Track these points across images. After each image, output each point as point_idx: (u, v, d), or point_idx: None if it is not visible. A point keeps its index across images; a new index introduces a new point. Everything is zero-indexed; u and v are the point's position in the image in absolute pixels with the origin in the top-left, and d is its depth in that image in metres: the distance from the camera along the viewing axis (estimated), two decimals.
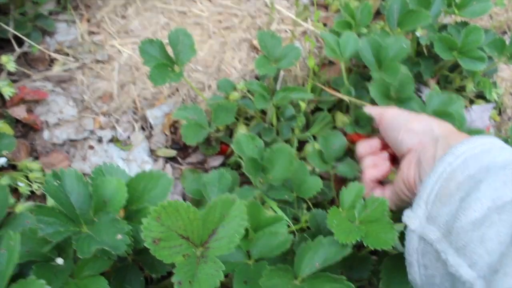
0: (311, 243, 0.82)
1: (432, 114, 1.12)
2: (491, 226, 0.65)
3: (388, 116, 1.05)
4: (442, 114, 1.11)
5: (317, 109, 1.30)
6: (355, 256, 0.97)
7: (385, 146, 1.09)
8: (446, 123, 0.99)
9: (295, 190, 1.04)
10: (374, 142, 1.10)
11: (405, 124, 0.99)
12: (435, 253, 0.74)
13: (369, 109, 1.11)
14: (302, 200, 1.07)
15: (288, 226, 0.96)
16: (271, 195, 1.02)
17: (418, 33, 1.29)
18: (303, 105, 1.17)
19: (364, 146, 1.11)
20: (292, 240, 0.90)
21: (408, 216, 0.80)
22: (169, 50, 1.16)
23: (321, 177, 1.17)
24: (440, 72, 1.47)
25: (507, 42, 1.33)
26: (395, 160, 1.09)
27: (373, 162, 1.08)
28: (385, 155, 1.09)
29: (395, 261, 0.88)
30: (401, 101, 1.18)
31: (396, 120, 1.02)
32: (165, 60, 1.14)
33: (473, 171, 0.76)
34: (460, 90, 1.50)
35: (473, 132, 1.16)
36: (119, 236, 0.70)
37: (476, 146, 0.80)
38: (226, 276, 0.97)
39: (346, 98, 1.20)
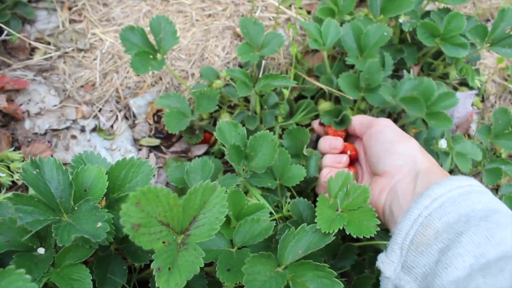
0: (294, 231, 0.82)
1: (401, 100, 1.13)
2: None
3: (379, 127, 1.01)
4: (410, 100, 1.12)
5: (301, 97, 1.30)
6: (338, 245, 0.97)
7: (347, 147, 1.10)
8: (430, 156, 0.94)
9: (279, 178, 1.04)
10: (337, 142, 1.09)
11: (391, 144, 0.96)
12: None
13: (359, 117, 1.11)
14: (286, 188, 1.07)
15: (271, 214, 0.96)
16: (254, 183, 1.02)
17: (401, 19, 1.29)
18: (286, 92, 1.17)
19: (325, 143, 1.10)
20: (275, 228, 0.90)
21: (383, 262, 0.77)
22: (151, 38, 1.15)
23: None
24: (424, 60, 1.47)
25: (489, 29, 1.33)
26: (353, 161, 1.11)
27: (331, 163, 1.06)
28: (344, 158, 1.07)
29: None
30: (370, 91, 1.18)
31: (384, 135, 0.99)
32: (146, 48, 1.13)
33: (452, 219, 0.71)
34: (444, 77, 1.51)
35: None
36: (99, 224, 0.70)
37: (453, 189, 0.76)
38: (210, 265, 0.97)
39: (324, 87, 1.20)
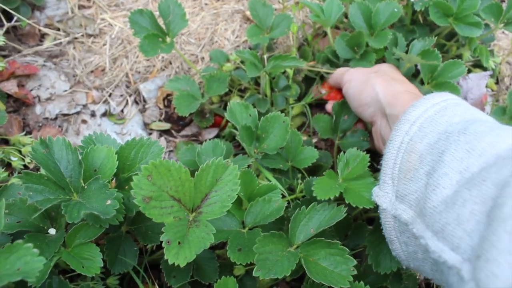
0: (305, 210, 0.81)
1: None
2: (464, 205, 0.59)
3: (345, 87, 1.08)
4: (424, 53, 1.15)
5: (309, 78, 1.28)
6: (349, 225, 0.96)
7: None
8: (397, 84, 0.96)
9: (291, 160, 1.03)
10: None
11: (357, 97, 1.01)
12: (413, 235, 0.70)
13: (333, 77, 1.17)
14: (297, 170, 1.06)
15: (283, 196, 0.95)
16: (265, 164, 1.01)
17: None
18: (290, 73, 1.16)
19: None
20: (287, 209, 0.90)
21: (377, 195, 0.77)
22: (161, 22, 1.14)
23: (316, 147, 1.16)
24: (437, 41, 1.45)
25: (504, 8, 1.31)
26: None
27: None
28: None
29: (379, 234, 0.87)
30: (363, 53, 1.19)
31: (351, 93, 1.04)
32: (155, 31, 1.12)
33: (432, 139, 0.71)
34: (457, 58, 1.48)
35: None
36: (108, 202, 0.69)
37: (428, 108, 0.75)
38: (221, 247, 0.97)
39: (321, 70, 1.20)
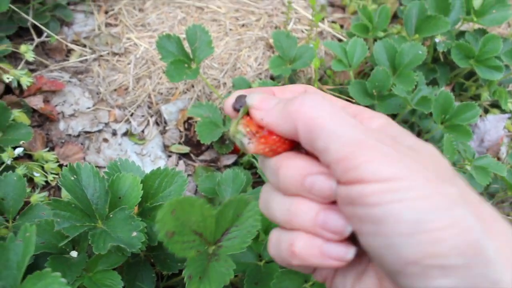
0: None
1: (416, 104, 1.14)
2: None
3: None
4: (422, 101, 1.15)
5: None
6: None
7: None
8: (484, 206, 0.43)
9: None
10: None
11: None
12: None
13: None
14: None
15: None
16: None
17: (438, 39, 1.29)
18: None
19: None
20: None
21: None
22: (186, 46, 1.17)
23: None
24: (456, 80, 1.46)
25: None
26: None
27: None
28: None
29: None
30: (381, 98, 1.18)
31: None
32: (182, 57, 1.15)
33: None
34: (475, 98, 1.50)
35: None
36: (134, 233, 0.71)
37: None
38: (236, 276, 0.98)
39: (341, 96, 1.21)
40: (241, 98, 0.49)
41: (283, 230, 0.48)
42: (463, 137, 1.09)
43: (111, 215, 0.76)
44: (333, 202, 0.44)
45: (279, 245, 0.48)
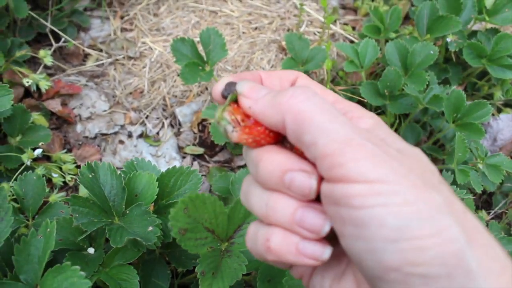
0: None
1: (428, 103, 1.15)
2: None
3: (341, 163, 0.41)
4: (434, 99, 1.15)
5: None
6: None
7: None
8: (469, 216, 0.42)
9: None
10: None
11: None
12: None
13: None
14: None
15: None
16: None
17: (449, 39, 1.29)
18: None
19: None
20: None
21: None
22: (200, 49, 1.19)
23: None
24: (468, 79, 1.47)
25: None
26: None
27: None
28: None
29: None
30: (393, 98, 1.19)
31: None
32: (196, 59, 1.17)
33: None
34: (488, 97, 1.50)
35: None
36: (150, 228, 0.73)
37: None
38: (248, 274, 0.99)
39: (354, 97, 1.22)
40: (230, 85, 0.48)
41: (261, 224, 0.46)
42: (475, 135, 1.10)
43: (127, 211, 0.78)
44: (315, 200, 0.43)
45: (256, 239, 0.46)
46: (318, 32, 1.55)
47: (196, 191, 0.85)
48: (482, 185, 1.11)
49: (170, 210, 0.70)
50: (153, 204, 0.86)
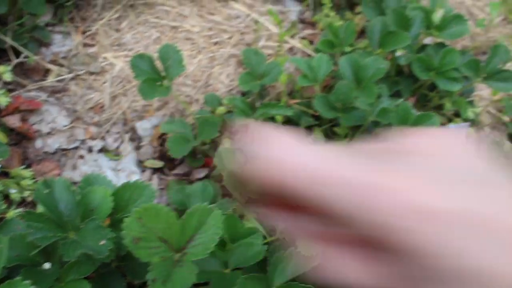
0: (283, 255, 0.88)
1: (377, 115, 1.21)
2: None
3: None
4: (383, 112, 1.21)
5: (289, 121, 1.34)
6: None
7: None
8: None
9: None
10: None
11: None
12: None
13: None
14: None
15: (265, 237, 1.01)
16: (250, 207, 1.07)
17: (398, 53, 1.36)
18: (279, 118, 1.23)
19: None
20: (267, 251, 0.96)
21: None
22: (159, 65, 1.22)
23: None
24: (420, 91, 1.53)
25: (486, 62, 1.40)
26: None
27: None
28: None
29: None
30: (345, 110, 1.24)
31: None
32: (154, 75, 1.20)
33: None
34: (439, 108, 1.56)
35: None
36: (103, 242, 0.76)
37: None
38: (206, 283, 1.02)
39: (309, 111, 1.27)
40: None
41: None
42: None
43: (82, 226, 0.80)
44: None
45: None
46: (277, 46, 1.59)
47: (150, 203, 0.87)
48: None
49: (124, 219, 0.73)
50: (109, 218, 0.88)
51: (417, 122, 1.19)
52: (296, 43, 1.61)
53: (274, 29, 1.63)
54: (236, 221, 0.96)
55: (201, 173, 1.30)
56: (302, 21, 1.77)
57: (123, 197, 0.89)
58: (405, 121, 1.19)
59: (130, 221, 0.73)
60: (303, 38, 1.68)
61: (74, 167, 1.28)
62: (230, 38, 1.58)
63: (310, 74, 1.25)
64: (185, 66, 1.21)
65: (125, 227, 0.72)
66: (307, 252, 0.84)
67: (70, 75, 1.45)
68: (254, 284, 0.84)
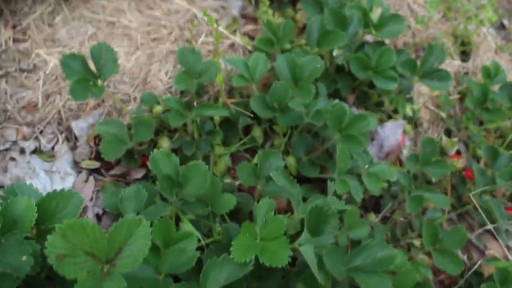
0: (217, 261, 0.87)
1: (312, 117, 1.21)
2: None
3: None
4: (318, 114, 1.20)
5: (227, 120, 1.34)
6: (263, 267, 1.02)
7: None
8: None
9: (210, 205, 1.09)
10: None
11: None
12: None
13: None
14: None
15: (200, 240, 1.00)
16: (186, 210, 1.06)
17: (335, 53, 1.37)
18: (217, 118, 1.22)
19: None
20: (201, 255, 0.95)
21: None
22: (92, 64, 1.18)
23: (240, 189, 1.23)
24: (360, 88, 1.55)
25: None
26: None
27: None
28: None
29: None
30: (281, 111, 1.25)
31: None
32: (87, 75, 1.16)
33: None
34: (379, 105, 1.59)
35: None
36: (24, 258, 0.73)
37: None
38: None
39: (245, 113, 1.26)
40: None
41: None
42: (356, 147, 1.17)
43: (3, 240, 0.77)
44: None
45: None
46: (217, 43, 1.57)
47: (77, 212, 0.85)
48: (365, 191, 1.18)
49: (48, 236, 0.71)
50: (34, 228, 0.85)
51: (352, 123, 1.21)
52: (237, 39, 1.59)
53: (216, 25, 1.61)
54: (170, 226, 0.95)
55: (139, 173, 1.28)
56: (244, 16, 1.76)
57: (49, 206, 0.86)
58: (341, 121, 1.20)
59: (54, 238, 0.71)
60: (245, 34, 1.67)
61: (5, 170, 1.23)
62: (169, 33, 1.55)
63: (247, 74, 1.25)
64: (119, 66, 1.18)
65: (49, 245, 0.70)
66: (241, 258, 0.84)
67: (0, 73, 1.39)
68: None
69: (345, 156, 1.12)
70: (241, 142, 1.29)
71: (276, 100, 1.22)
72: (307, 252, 0.86)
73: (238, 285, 0.87)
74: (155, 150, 1.04)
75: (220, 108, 1.15)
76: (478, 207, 1.42)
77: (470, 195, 1.43)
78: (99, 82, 1.17)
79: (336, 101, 1.22)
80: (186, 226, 1.04)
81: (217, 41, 1.16)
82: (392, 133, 1.46)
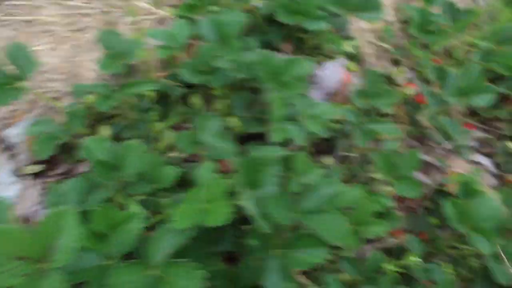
0: (158, 232, 0.86)
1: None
2: None
3: None
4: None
5: (165, 94, 1.31)
6: (212, 230, 1.00)
7: None
8: None
9: (153, 181, 1.07)
10: None
11: None
12: None
13: None
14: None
15: (149, 218, 0.98)
16: (131, 191, 1.04)
17: (257, 3, 1.33)
18: (151, 94, 1.19)
19: None
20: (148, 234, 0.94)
21: None
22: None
23: (187, 160, 1.21)
24: (295, 35, 1.52)
25: None
26: None
27: None
28: None
29: None
30: (214, 72, 1.21)
31: None
32: (4, 79, 1.12)
33: None
34: (318, 48, 1.56)
35: None
36: None
37: None
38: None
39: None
40: None
41: None
42: (292, 92, 1.14)
43: None
44: None
45: None
46: (145, 19, 1.53)
47: (5, 218, 0.83)
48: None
49: None
50: None
51: (286, 70, 1.18)
52: (162, 12, 1.55)
53: (141, 3, 1.56)
54: (112, 211, 0.93)
55: (84, 167, 1.25)
56: None
57: None
58: (273, 70, 1.17)
59: None
60: (172, 5, 1.63)
61: None
62: (93, 21, 1.50)
63: (171, 43, 1.21)
64: (36, 62, 1.13)
65: None
66: (180, 225, 0.83)
67: None
68: (131, 270, 0.82)
69: (279, 103, 1.10)
70: (178, 113, 1.26)
71: (204, 63, 1.19)
72: (247, 204, 0.85)
73: (186, 252, 0.85)
74: (85, 138, 1.01)
75: (149, 83, 1.12)
76: (434, 129, 1.41)
77: (423, 117, 1.42)
78: (21, 83, 1.13)
79: (264, 51, 1.19)
80: (132, 207, 1.02)
81: (132, 15, 1.12)
82: (332, 73, 1.44)
